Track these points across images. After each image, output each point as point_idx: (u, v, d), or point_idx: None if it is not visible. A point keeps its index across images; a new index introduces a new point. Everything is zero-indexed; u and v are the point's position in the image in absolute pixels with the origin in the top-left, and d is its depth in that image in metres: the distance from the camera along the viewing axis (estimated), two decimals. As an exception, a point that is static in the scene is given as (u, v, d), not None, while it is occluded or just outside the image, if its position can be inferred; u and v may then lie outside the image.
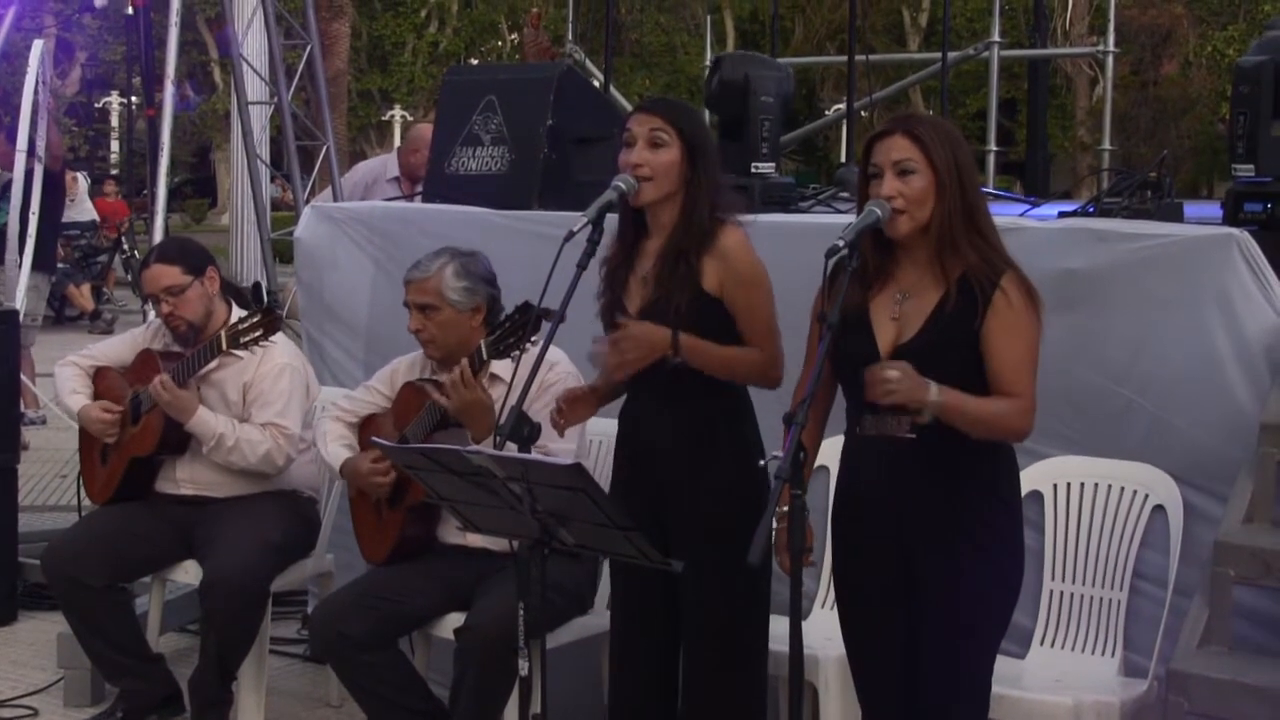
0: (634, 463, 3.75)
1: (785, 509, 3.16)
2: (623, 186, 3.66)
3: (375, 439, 3.95)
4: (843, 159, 10.24)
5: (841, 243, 3.19)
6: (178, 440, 4.89)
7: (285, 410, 4.86)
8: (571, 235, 3.52)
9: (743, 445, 3.68)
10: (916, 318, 3.30)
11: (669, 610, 3.70)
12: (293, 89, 9.02)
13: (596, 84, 8.57)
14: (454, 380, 4.04)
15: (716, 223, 3.65)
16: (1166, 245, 4.14)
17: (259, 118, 9.67)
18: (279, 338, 4.87)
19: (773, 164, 5.41)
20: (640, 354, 3.56)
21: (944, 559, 3.30)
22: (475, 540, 4.25)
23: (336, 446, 4.53)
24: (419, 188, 7.00)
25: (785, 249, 4.25)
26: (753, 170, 5.32)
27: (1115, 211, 4.60)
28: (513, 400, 3.50)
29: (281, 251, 9.45)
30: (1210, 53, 27.07)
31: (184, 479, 4.99)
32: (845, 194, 5.71)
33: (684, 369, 3.58)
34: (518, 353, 3.94)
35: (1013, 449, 3.39)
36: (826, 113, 21.77)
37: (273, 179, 10.60)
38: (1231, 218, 4.48)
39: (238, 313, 4.94)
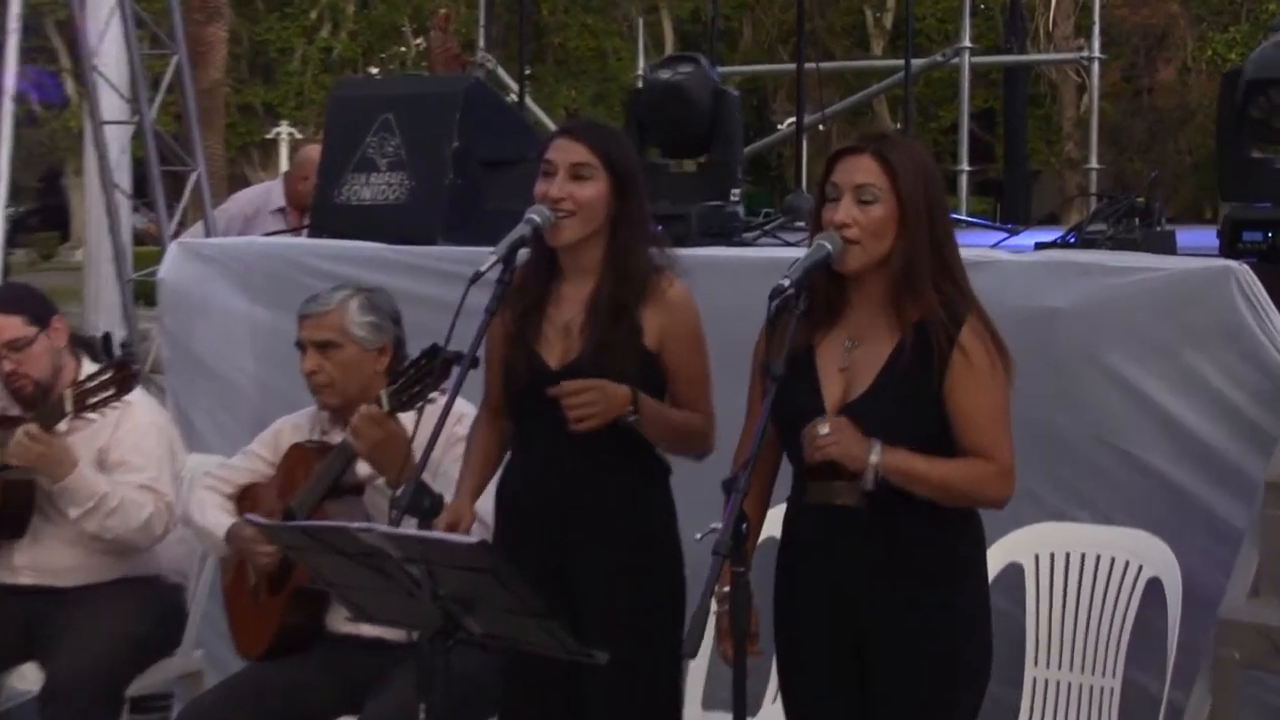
0: (532, 544, 3.74)
1: (726, 589, 3.18)
2: (537, 219, 3.66)
3: (249, 516, 3.92)
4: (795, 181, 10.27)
5: (787, 282, 3.21)
6: (15, 519, 4.83)
7: (160, 475, 4.82)
8: (479, 276, 3.53)
9: (666, 520, 3.73)
10: (867, 370, 3.33)
11: (570, 713, 3.72)
12: (157, 104, 8.97)
13: (512, 98, 8.61)
14: (366, 414, 3.99)
15: (652, 270, 3.69)
16: (1156, 280, 4.21)
17: (118, 139, 9.60)
18: (135, 395, 4.83)
19: (739, 189, 5.51)
20: (601, 410, 3.58)
21: (901, 645, 3.32)
22: (369, 630, 4.22)
23: (217, 513, 4.49)
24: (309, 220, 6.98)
25: (726, 288, 4.29)
26: (732, 198, 5.40)
27: (1099, 242, 4.66)
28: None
29: (146, 294, 9.39)
30: (1210, 57, 27.43)
31: (23, 566, 4.90)
32: (800, 223, 5.77)
33: (621, 431, 3.59)
34: (422, 404, 3.92)
35: (978, 515, 3.42)
36: (779, 127, 21.89)
37: (135, 209, 10.51)
38: (1229, 248, 4.55)
39: (89, 368, 4.90)
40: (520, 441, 3.81)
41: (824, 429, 3.22)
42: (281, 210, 8.11)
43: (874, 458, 3.22)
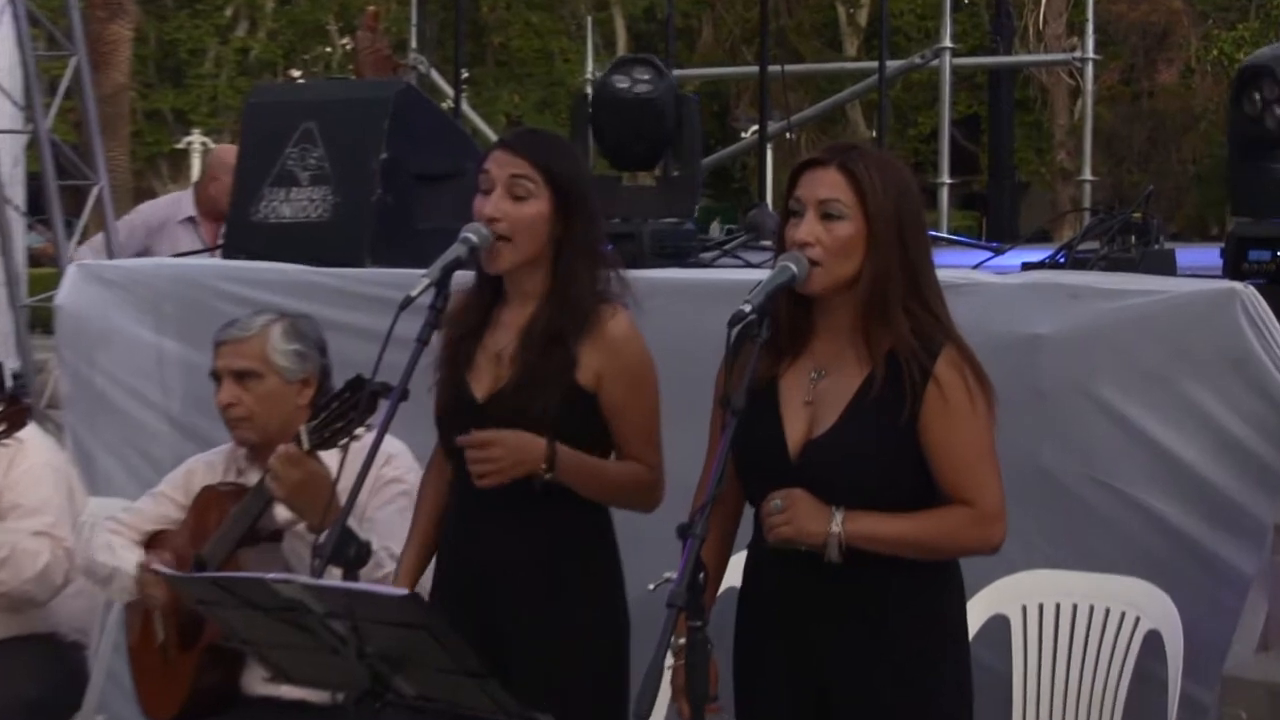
0: (461, 596, 3.75)
1: (683, 640, 3.19)
2: (474, 239, 3.65)
3: (156, 566, 3.91)
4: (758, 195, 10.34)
5: (748, 308, 3.22)
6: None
7: (58, 520, 4.80)
8: (409, 301, 3.53)
9: (608, 572, 3.74)
10: (834, 404, 3.34)
11: None
12: (54, 111, 8.94)
13: (448, 104, 8.63)
14: (283, 453, 3.98)
15: (597, 300, 3.69)
16: (1154, 304, 4.24)
17: (10, 149, 9.57)
18: (29, 432, 4.81)
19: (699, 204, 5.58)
20: (510, 465, 3.58)
21: (872, 705, 3.33)
22: (290, 692, 4.21)
23: (127, 552, 4.45)
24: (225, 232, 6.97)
25: (682, 314, 4.31)
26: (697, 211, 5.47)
27: (1092, 262, 4.70)
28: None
29: (43, 321, 9.35)
30: (1216, 57, 27.62)
31: (-98, 625, 4.89)
32: (765, 242, 5.81)
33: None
34: (347, 440, 3.90)
35: (957, 564, 3.44)
36: (743, 135, 22.02)
37: (30, 227, 10.47)
38: (1234, 268, 4.60)
39: (-23, 403, 4.89)
40: (454, 482, 3.82)
41: (776, 502, 3.25)
42: (190, 220, 8.06)
43: (835, 527, 3.24)
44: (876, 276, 3.30)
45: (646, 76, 5.62)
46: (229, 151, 7.25)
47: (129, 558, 4.43)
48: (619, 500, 3.74)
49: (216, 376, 4.40)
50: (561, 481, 3.61)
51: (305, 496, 3.96)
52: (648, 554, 3.74)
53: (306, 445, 3.99)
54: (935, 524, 3.31)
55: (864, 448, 3.30)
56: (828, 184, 3.32)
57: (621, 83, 5.64)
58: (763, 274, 3.37)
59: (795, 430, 3.36)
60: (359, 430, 3.86)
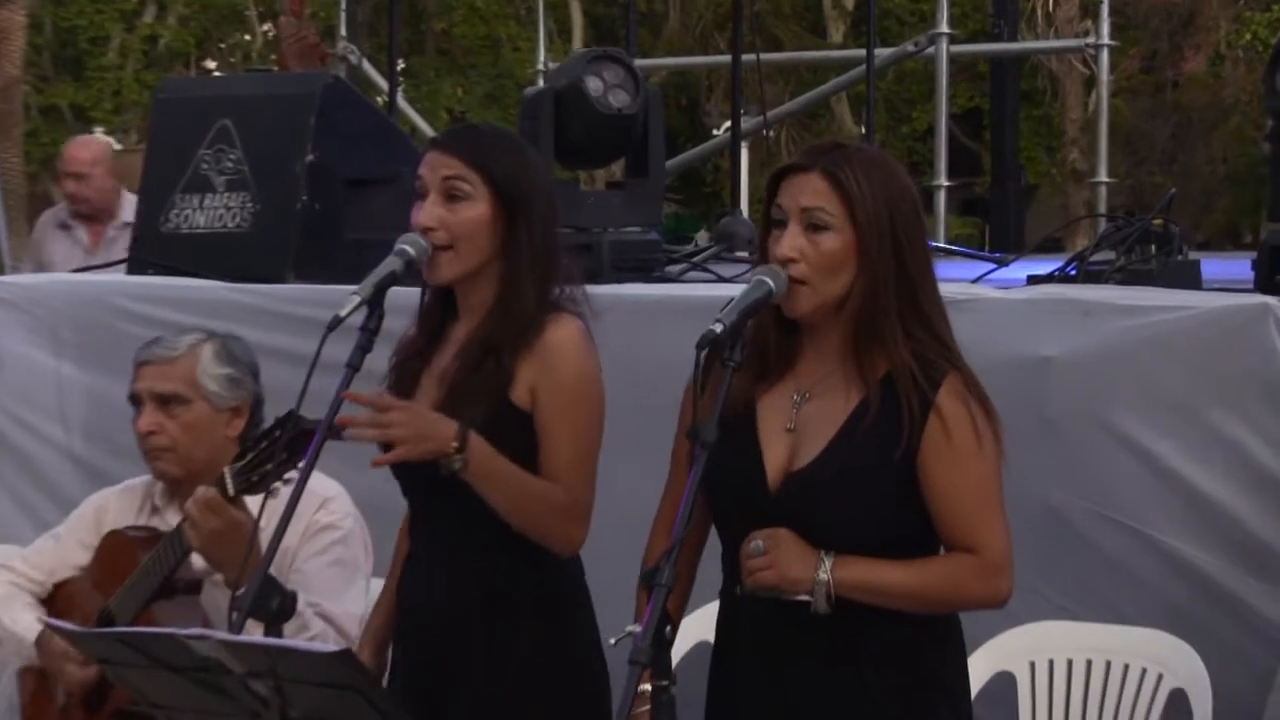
0: (406, 646, 3.77)
1: (647, 689, 3.19)
2: (411, 251, 3.66)
3: (52, 621, 3.89)
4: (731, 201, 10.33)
5: (719, 327, 3.21)
6: None
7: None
8: (338, 322, 3.52)
9: (557, 617, 3.73)
10: (820, 432, 3.34)
11: None
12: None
13: (382, 99, 8.64)
14: (201, 499, 3.95)
15: (546, 310, 3.68)
16: (1176, 321, 4.26)
17: (-111, 151, 9.58)
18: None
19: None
20: (411, 436, 3.54)
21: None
22: (206, 763, 4.21)
23: (26, 614, 4.43)
24: (111, 235, 7.01)
25: (646, 334, 4.31)
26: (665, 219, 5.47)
27: (1106, 274, 4.71)
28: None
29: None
30: (1249, 42, 27.63)
31: None
32: (740, 253, 5.82)
33: (474, 504, 3.61)
34: (278, 485, 3.88)
35: (956, 616, 3.44)
36: (715, 132, 22.02)
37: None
38: (1266, 280, 4.61)
39: None
40: (410, 526, 3.85)
41: (755, 544, 3.25)
42: (64, 225, 8.08)
43: (823, 574, 3.24)
44: (868, 293, 3.30)
45: (619, 80, 5.59)
46: (90, 145, 7.31)
47: (26, 620, 4.41)
48: (532, 519, 3.66)
49: (136, 400, 4.38)
50: (471, 474, 3.55)
51: (223, 547, 3.93)
52: (605, 604, 3.75)
53: (231, 490, 3.96)
54: (936, 574, 3.33)
55: (852, 480, 3.30)
56: (810, 191, 3.31)
57: (594, 87, 5.58)
58: (736, 289, 3.37)
59: (775, 460, 3.36)
60: (290, 474, 3.84)
